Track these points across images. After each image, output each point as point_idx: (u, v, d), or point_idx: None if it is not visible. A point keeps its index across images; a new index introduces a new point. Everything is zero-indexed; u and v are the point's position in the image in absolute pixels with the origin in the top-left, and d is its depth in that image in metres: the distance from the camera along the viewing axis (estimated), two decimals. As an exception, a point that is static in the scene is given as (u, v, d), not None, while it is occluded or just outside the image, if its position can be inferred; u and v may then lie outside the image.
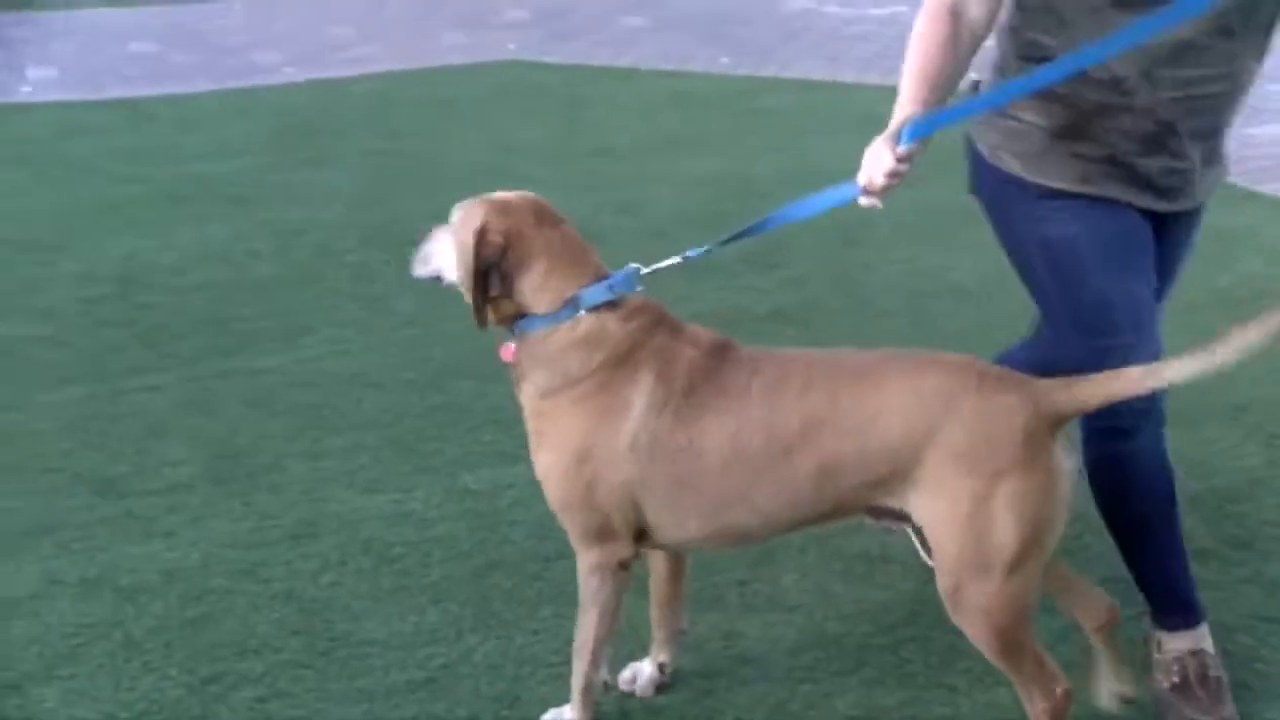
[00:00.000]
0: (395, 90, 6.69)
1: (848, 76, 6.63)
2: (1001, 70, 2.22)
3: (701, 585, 2.62)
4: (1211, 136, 2.15)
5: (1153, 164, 2.12)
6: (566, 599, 2.61)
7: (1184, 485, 2.33)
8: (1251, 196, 4.87)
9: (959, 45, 2.08)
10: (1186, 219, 2.28)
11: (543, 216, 2.09)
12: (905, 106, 2.06)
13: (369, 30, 7.97)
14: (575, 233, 2.12)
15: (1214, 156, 2.21)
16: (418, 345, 3.81)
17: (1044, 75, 2.06)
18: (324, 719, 2.32)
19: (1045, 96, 2.10)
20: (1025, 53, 2.15)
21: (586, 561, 2.14)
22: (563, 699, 2.26)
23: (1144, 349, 2.10)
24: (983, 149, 2.26)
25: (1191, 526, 2.68)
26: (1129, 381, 1.95)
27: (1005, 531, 1.90)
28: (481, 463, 3.17)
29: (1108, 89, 2.06)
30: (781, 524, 2.08)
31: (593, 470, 2.03)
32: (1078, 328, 2.19)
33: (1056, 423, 1.95)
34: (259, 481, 3.10)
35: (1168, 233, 2.25)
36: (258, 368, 3.69)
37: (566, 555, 2.76)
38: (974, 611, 1.96)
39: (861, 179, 2.04)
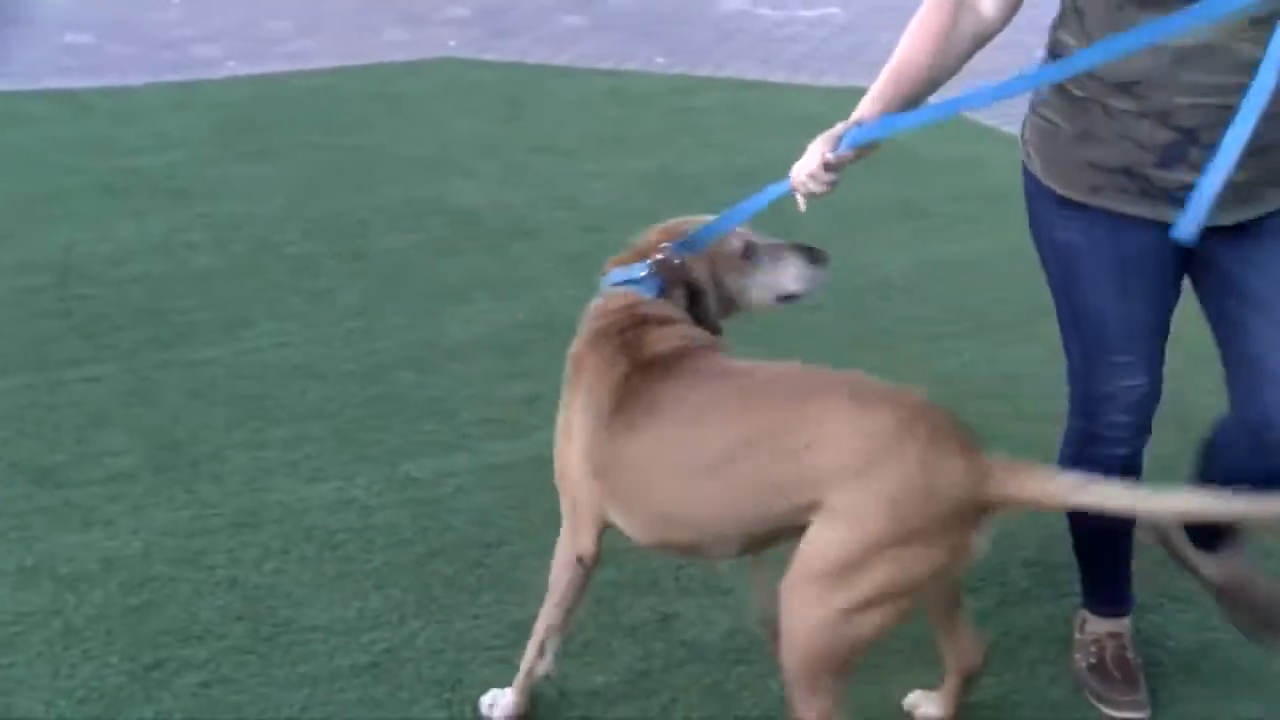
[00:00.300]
0: (336, 85, 6.61)
1: (779, 77, 6.67)
2: (1042, 64, 2.06)
3: (638, 570, 2.63)
4: (1259, 152, 1.83)
5: (1171, 176, 1.90)
6: (507, 585, 2.62)
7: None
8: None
9: (954, 40, 1.97)
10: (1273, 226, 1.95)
11: (672, 226, 2.22)
12: (865, 104, 1.98)
13: (308, 26, 7.87)
14: (681, 235, 2.17)
15: (1275, 173, 1.91)
16: (360, 337, 3.78)
17: (1009, 86, 1.93)
18: (267, 704, 2.30)
19: (1067, 98, 1.96)
20: (1054, 49, 2.01)
21: (559, 540, 2.16)
22: (504, 682, 2.26)
23: (1137, 370, 2.10)
24: (1020, 144, 2.15)
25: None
26: (1061, 488, 1.80)
27: (871, 580, 1.78)
28: (423, 452, 3.15)
29: (1121, 92, 1.89)
30: (731, 542, 1.99)
31: (565, 452, 2.08)
32: (1078, 336, 2.14)
33: (984, 508, 1.80)
34: (200, 471, 3.06)
35: (1242, 243, 1.97)
36: (197, 359, 3.63)
37: (507, 542, 2.77)
38: (789, 620, 1.85)
39: (792, 174, 2.03)
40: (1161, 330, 2.13)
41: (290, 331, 3.81)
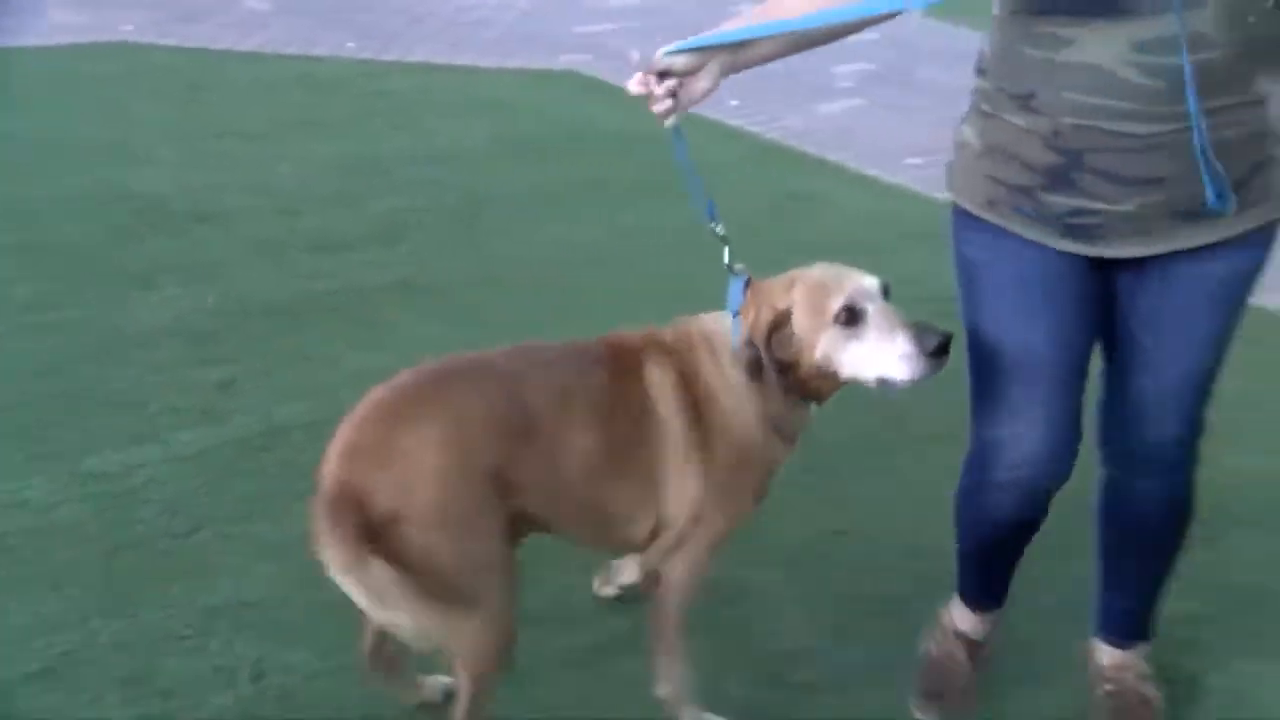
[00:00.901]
0: (-3, 69, 5.98)
1: (467, 60, 6.57)
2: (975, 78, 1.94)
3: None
4: (1157, 186, 1.73)
5: (1058, 201, 1.78)
6: (199, 572, 2.47)
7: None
8: (823, 164, 5.27)
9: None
10: (1191, 263, 1.82)
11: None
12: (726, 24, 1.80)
13: (-39, 7, 7.09)
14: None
15: (1181, 208, 1.75)
16: (36, 332, 3.43)
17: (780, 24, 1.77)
18: (-82, 730, 2.06)
19: (979, 113, 1.87)
20: (979, 61, 1.91)
21: None
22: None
23: (1035, 416, 1.93)
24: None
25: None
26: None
27: None
28: (109, 445, 2.90)
29: (1020, 107, 1.78)
30: None
31: None
32: (974, 368, 1.99)
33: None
34: None
35: (1150, 278, 1.86)
36: None
37: (201, 528, 2.60)
38: None
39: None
40: (1068, 372, 1.93)
41: (-47, 330, 3.42)
